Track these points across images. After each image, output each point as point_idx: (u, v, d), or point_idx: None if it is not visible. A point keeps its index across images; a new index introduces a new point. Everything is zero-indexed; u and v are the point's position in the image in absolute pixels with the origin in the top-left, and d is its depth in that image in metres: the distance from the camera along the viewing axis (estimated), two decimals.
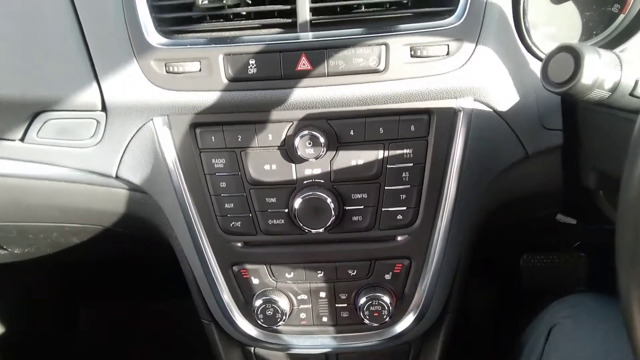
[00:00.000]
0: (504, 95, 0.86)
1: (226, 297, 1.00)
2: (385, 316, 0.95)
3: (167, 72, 0.86)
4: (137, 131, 0.91)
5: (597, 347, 0.85)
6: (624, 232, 0.46)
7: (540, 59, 0.89)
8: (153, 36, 0.86)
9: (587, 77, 0.57)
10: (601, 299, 0.97)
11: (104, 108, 0.90)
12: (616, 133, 0.78)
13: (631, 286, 0.46)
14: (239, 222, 0.93)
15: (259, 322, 0.98)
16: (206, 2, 0.84)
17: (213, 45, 0.85)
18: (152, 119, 0.89)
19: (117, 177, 0.95)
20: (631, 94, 0.60)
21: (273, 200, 0.91)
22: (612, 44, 0.91)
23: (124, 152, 0.93)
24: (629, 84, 0.61)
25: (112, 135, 0.92)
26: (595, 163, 0.87)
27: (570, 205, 1.02)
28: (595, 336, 0.88)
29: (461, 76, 0.83)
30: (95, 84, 0.89)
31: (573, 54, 0.58)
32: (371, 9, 0.86)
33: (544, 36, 0.92)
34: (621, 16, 0.93)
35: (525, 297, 1.70)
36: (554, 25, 0.95)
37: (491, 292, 1.84)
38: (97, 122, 0.92)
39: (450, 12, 0.83)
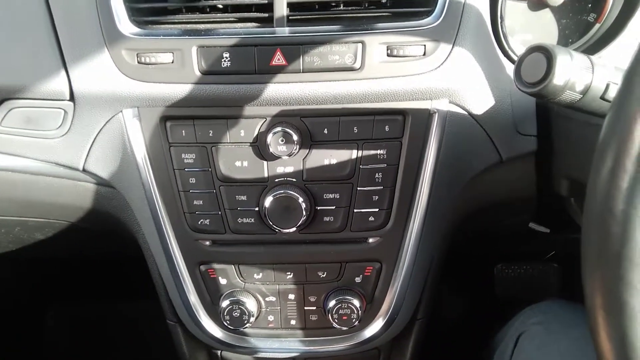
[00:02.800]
0: (479, 99, 0.86)
1: (192, 297, 0.97)
2: (354, 320, 0.94)
3: (138, 62, 0.84)
4: (106, 123, 0.88)
5: (564, 354, 0.85)
6: (589, 237, 0.46)
7: None
8: (125, 25, 0.84)
9: (558, 78, 0.57)
10: (571, 307, 0.97)
11: (72, 97, 0.87)
12: (586, 140, 0.78)
13: (595, 291, 0.46)
14: (208, 220, 0.90)
15: (225, 323, 0.95)
16: None
17: (187, 37, 0.83)
18: (121, 111, 0.87)
19: (84, 171, 0.92)
20: (602, 98, 0.60)
21: (243, 198, 0.89)
22: (587, 52, 0.91)
23: (91, 144, 0.90)
24: (600, 88, 0.61)
25: (79, 127, 0.89)
26: (567, 170, 0.87)
27: (543, 212, 1.02)
28: (564, 343, 0.88)
29: (437, 77, 0.83)
30: (63, 72, 0.86)
31: (546, 54, 0.58)
32: (349, 7, 0.85)
33: (520, 42, 0.92)
34: (597, 25, 0.94)
35: (498, 305, 1.71)
36: (530, 32, 0.95)
37: (464, 300, 1.84)
38: (65, 112, 0.89)
39: (428, 13, 0.83)
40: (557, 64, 0.57)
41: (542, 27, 0.95)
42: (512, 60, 0.89)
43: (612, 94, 0.59)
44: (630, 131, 0.41)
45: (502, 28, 0.87)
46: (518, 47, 0.90)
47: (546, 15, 0.95)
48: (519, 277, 1.72)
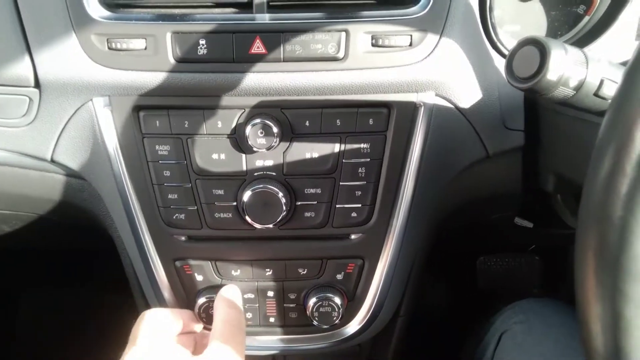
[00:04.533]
0: (466, 91, 0.83)
1: (167, 293, 0.93)
2: (335, 318, 0.91)
3: (109, 48, 0.79)
4: (75, 112, 0.84)
5: (546, 354, 0.84)
6: (584, 245, 0.44)
7: (504, 56, 0.87)
8: (95, 8, 0.79)
9: (552, 73, 0.54)
10: (553, 305, 0.96)
11: (37, 84, 0.82)
12: (576, 136, 0.76)
13: (588, 301, 0.44)
14: (183, 215, 0.87)
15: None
16: None
17: (161, 22, 0.78)
18: (91, 99, 0.82)
19: (52, 161, 0.87)
20: (595, 94, 0.58)
21: (220, 192, 0.85)
22: (576, 45, 0.89)
23: (60, 134, 0.85)
24: (594, 84, 0.58)
25: (46, 115, 0.84)
26: (554, 166, 0.85)
27: (528, 208, 1.00)
28: (546, 343, 0.86)
29: (423, 69, 0.79)
30: (27, 57, 0.81)
31: (539, 47, 0.55)
32: None
33: (509, 34, 0.90)
34: (586, 18, 0.92)
35: (481, 299, 1.71)
36: (519, 23, 0.93)
37: (446, 293, 1.83)
38: (30, 99, 0.84)
39: (415, 1, 0.79)
40: (551, 59, 0.54)
41: (531, 19, 0.92)
42: (500, 52, 0.86)
43: (606, 90, 0.57)
44: (630, 133, 0.38)
45: (490, 19, 0.85)
46: (507, 38, 0.87)
47: (535, 6, 0.92)
48: (501, 270, 1.73)
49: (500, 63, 0.86)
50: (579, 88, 0.56)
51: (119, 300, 1.63)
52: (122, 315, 1.67)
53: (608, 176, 0.40)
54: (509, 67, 0.59)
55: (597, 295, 0.42)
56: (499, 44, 0.86)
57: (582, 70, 0.56)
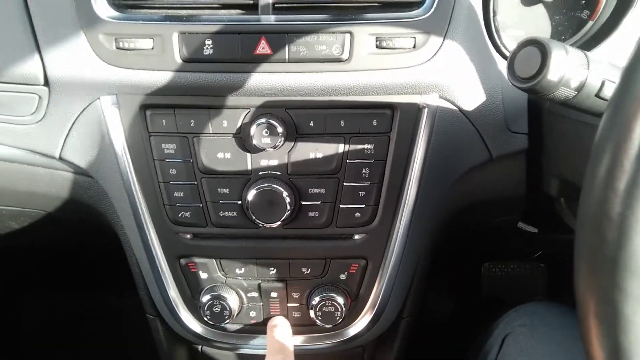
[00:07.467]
0: (470, 94, 0.83)
1: (172, 291, 0.94)
2: (338, 317, 0.91)
3: (117, 47, 0.80)
4: (83, 110, 0.85)
5: (550, 358, 0.84)
6: (583, 241, 0.44)
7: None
8: (103, 8, 0.80)
9: (553, 73, 0.55)
10: (557, 308, 0.95)
11: (46, 82, 0.84)
12: (579, 139, 0.76)
13: (588, 298, 0.44)
14: (189, 213, 0.87)
15: (205, 319, 0.92)
16: None
17: (168, 22, 0.80)
18: (99, 98, 0.84)
19: (60, 159, 0.89)
20: (597, 95, 0.58)
21: (225, 190, 0.86)
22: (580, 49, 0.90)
23: (68, 132, 0.87)
24: (595, 85, 0.58)
25: (55, 113, 0.86)
26: (558, 169, 0.85)
27: (531, 212, 1.00)
28: (550, 346, 0.86)
29: (427, 71, 0.80)
30: (37, 56, 0.82)
31: (540, 48, 0.56)
32: None
33: (512, 38, 0.90)
34: (590, 23, 0.92)
35: (484, 305, 1.70)
36: (523, 28, 0.93)
37: (449, 298, 1.83)
38: (39, 97, 0.85)
39: (419, 4, 0.80)
40: (551, 59, 0.54)
41: (535, 23, 0.93)
42: (503, 56, 0.87)
43: (607, 91, 0.57)
44: (628, 129, 0.39)
45: (494, 23, 0.85)
46: (510, 42, 0.88)
47: (539, 10, 0.93)
48: (506, 277, 1.72)
49: (503, 66, 0.87)
50: (580, 89, 0.56)
51: (119, 303, 1.65)
52: (122, 318, 1.69)
53: (607, 173, 0.40)
54: (510, 67, 0.59)
55: (596, 292, 0.42)
56: (502, 48, 0.86)
57: (584, 71, 0.56)
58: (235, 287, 0.94)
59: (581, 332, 0.46)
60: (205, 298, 0.92)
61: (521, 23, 0.92)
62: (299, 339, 0.99)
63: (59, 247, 1.48)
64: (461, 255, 1.62)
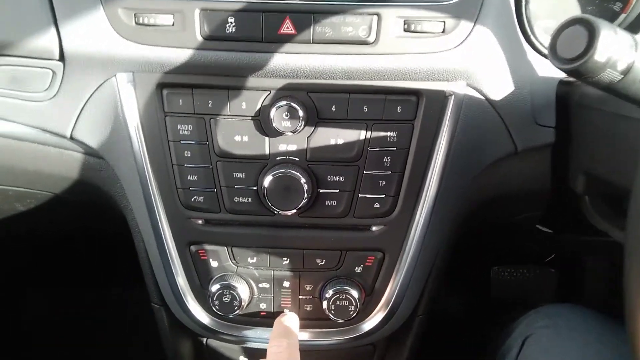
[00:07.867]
0: (497, 83, 0.81)
1: (180, 279, 0.91)
2: (352, 312, 0.88)
3: (136, 23, 0.78)
4: (98, 87, 0.82)
5: (575, 359, 0.80)
6: (636, 243, 0.41)
7: (538, 50, 0.85)
8: None
9: (600, 54, 0.52)
10: (579, 311, 0.92)
11: (61, 57, 0.81)
12: (615, 133, 0.73)
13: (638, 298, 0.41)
14: (202, 197, 0.85)
15: (214, 309, 0.89)
16: None
17: None
18: (115, 75, 0.81)
19: (71, 138, 0.86)
20: None
21: (241, 175, 0.83)
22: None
23: (81, 110, 0.84)
24: None
25: (69, 90, 0.83)
26: (586, 165, 0.82)
27: (553, 209, 0.97)
28: (573, 349, 0.83)
29: (455, 57, 0.77)
30: (53, 29, 0.80)
31: (587, 27, 0.53)
32: None
33: (543, 29, 0.88)
34: (622, 15, 0.90)
35: (493, 307, 1.68)
36: (554, 18, 0.90)
37: (459, 301, 1.80)
38: (54, 72, 0.83)
39: None
40: (600, 39, 0.51)
41: (566, 14, 0.90)
42: (533, 47, 0.85)
43: None
44: None
45: (526, 12, 0.83)
46: (540, 33, 0.85)
47: (571, 1, 0.90)
48: (515, 281, 1.69)
49: (533, 57, 0.84)
50: (626, 72, 0.53)
51: (125, 295, 1.62)
52: (127, 310, 1.66)
53: None
54: (552, 47, 0.56)
55: None
56: (532, 38, 0.84)
57: (631, 53, 0.53)
58: (246, 277, 0.91)
59: (629, 332, 0.43)
60: (214, 287, 0.88)
61: (553, 13, 0.89)
62: (309, 334, 0.96)
63: (61, 235, 1.45)
64: (470, 258, 1.59)
